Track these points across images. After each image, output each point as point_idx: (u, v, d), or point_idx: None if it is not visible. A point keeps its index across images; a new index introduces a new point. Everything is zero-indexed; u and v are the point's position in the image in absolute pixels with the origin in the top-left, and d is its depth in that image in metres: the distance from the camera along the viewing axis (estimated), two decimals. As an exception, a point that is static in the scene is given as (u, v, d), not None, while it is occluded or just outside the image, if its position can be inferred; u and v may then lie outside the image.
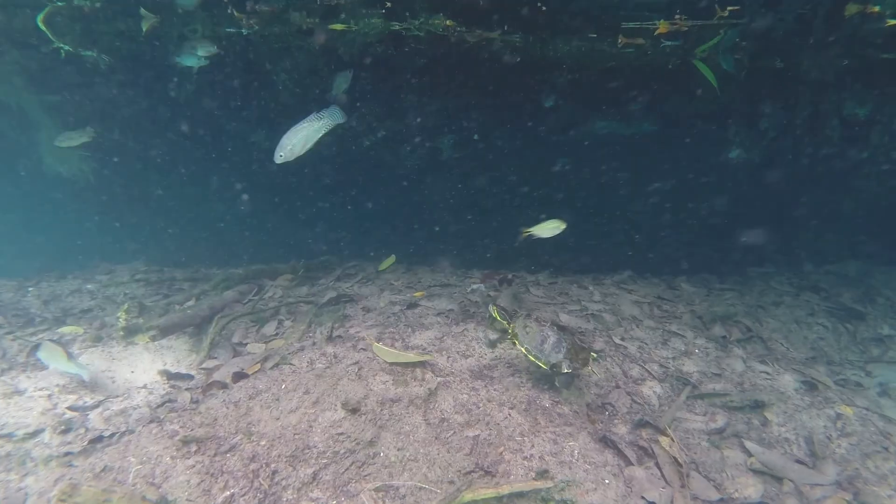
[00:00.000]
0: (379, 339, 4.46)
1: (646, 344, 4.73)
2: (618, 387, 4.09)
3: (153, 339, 4.65)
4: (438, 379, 3.72)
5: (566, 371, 3.54)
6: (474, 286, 5.64)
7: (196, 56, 5.80)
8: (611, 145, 9.24)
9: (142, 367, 4.65)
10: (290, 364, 3.98)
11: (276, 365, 4.25)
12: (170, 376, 4.35)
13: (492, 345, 4.38)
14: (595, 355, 3.90)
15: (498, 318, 4.08)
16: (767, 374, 4.37)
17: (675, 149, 9.30)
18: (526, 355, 3.64)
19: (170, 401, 4.00)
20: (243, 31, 6.27)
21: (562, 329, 3.68)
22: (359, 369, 3.72)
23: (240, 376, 4.20)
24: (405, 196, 9.26)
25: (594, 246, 8.75)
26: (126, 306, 5.02)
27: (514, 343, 3.72)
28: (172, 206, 9.03)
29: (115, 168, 8.74)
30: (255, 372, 4.28)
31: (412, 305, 5.16)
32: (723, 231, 9.25)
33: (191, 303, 5.66)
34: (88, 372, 4.17)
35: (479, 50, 6.53)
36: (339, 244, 8.83)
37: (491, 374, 4.03)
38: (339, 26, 5.68)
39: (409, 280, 6.27)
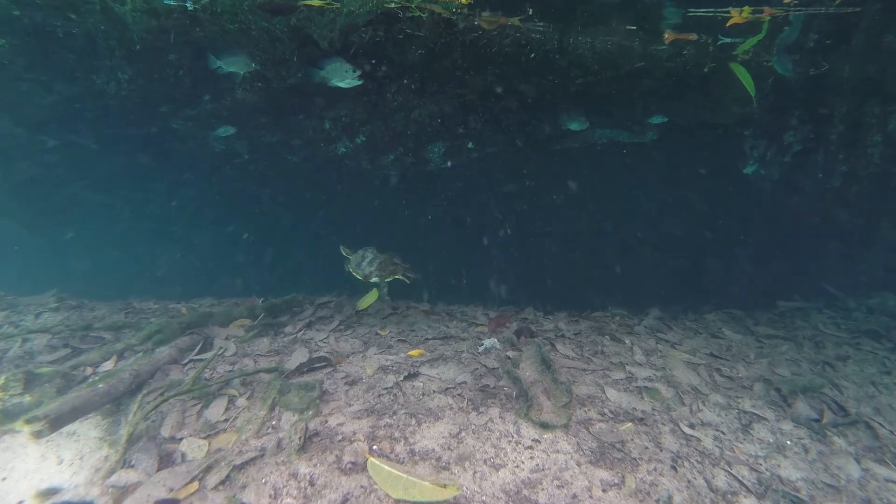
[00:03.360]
0: (372, 438, 3.15)
1: (722, 433, 3.59)
2: (710, 512, 2.92)
3: (37, 436, 3.20)
4: (471, 527, 2.45)
5: (374, 279, 4.68)
6: (486, 342, 4.39)
7: (246, 62, 5.27)
8: (610, 155, 8.21)
9: (22, 469, 3.21)
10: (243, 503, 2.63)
11: (223, 483, 2.91)
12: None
13: (529, 445, 3.16)
14: (408, 277, 4.98)
15: (345, 253, 5.11)
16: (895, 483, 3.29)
17: (683, 160, 8.34)
18: (350, 271, 4.85)
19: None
20: (187, 4, 4.83)
21: (381, 251, 4.76)
22: (350, 518, 2.41)
23: (166, 505, 2.83)
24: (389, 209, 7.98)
25: (608, 275, 7.66)
26: (3, 380, 3.54)
27: (349, 268, 4.93)
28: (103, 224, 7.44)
29: (29, 175, 7.08)
30: (191, 495, 2.92)
31: (411, 375, 3.87)
32: (744, 259, 8.33)
33: (108, 365, 4.19)
34: None
35: (487, 41, 5.31)
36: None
37: (536, 498, 2.80)
38: (315, 2, 4.33)
39: (399, 327, 4.95)
